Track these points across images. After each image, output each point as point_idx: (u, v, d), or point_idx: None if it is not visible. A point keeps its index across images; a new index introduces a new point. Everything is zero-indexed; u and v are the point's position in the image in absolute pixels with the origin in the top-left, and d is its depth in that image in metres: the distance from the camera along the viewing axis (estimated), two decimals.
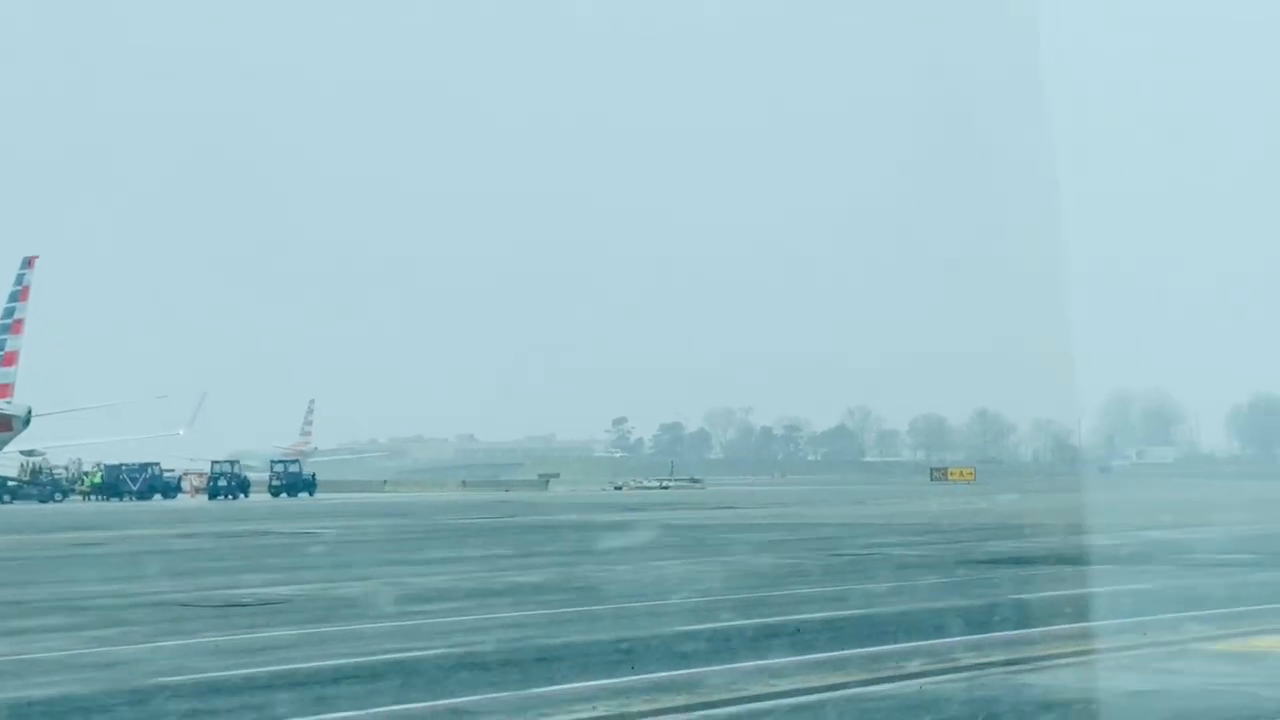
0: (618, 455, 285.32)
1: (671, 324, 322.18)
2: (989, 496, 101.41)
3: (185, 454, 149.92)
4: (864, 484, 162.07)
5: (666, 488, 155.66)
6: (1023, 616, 26.24)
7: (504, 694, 18.68)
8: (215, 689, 19.69)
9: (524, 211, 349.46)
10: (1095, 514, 63.13)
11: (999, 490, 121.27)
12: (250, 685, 19.92)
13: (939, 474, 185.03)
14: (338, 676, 20.57)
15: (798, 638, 23.89)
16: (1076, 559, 39.80)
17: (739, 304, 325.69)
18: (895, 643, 22.88)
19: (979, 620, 25.74)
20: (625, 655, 22.02)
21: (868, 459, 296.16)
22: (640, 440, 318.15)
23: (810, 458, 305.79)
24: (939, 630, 24.42)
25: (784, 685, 18.87)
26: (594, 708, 17.53)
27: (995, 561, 39.90)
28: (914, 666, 20.28)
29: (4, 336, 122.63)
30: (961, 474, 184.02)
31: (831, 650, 22.22)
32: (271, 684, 20.03)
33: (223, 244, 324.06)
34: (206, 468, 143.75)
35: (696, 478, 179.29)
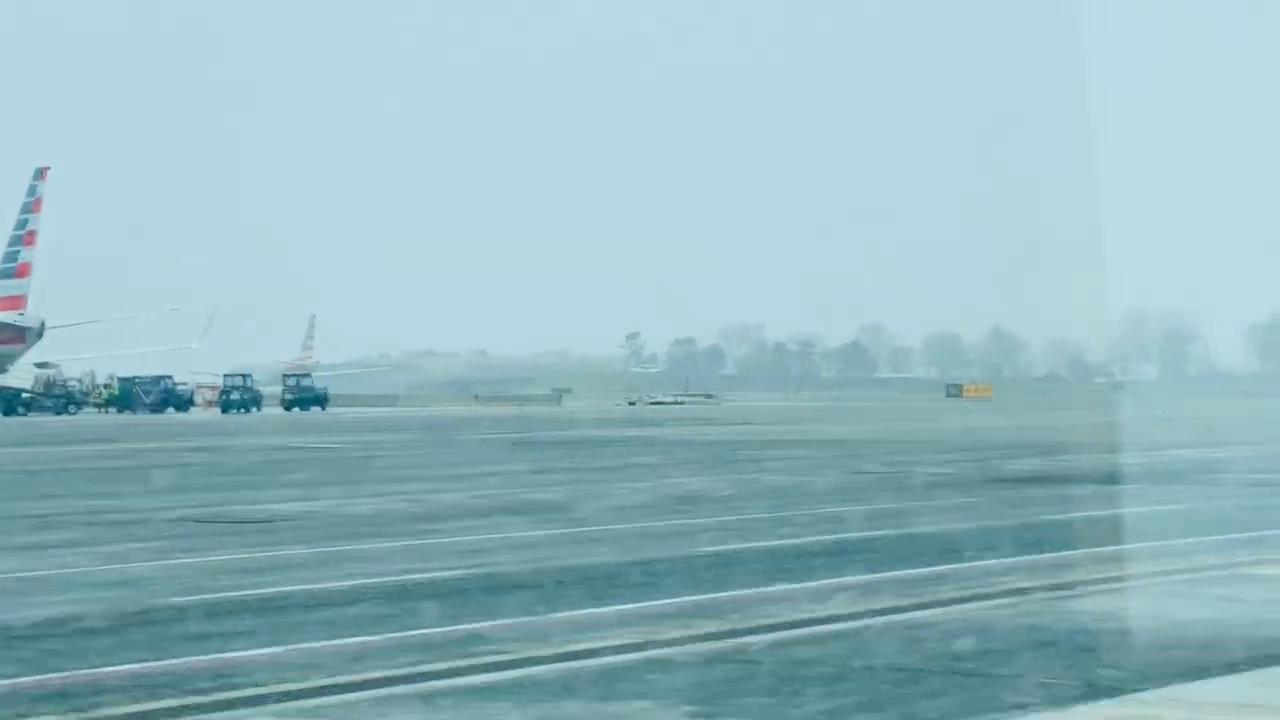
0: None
1: (686, 239, 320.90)
2: (1009, 414, 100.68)
3: (191, 368, 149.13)
4: (880, 400, 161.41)
5: (681, 403, 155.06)
6: (1058, 538, 25.46)
7: (526, 619, 17.93)
8: (228, 610, 18.98)
9: (535, 120, 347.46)
10: (1117, 432, 62.39)
11: (1017, 407, 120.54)
12: (264, 606, 19.22)
13: (955, 390, 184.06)
14: (353, 598, 19.87)
15: (829, 560, 23.17)
16: (1104, 478, 39.07)
17: (753, 220, 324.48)
18: (931, 565, 22.12)
19: (1014, 541, 24.99)
20: (651, 577, 21.30)
21: (881, 375, 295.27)
22: (653, 355, 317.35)
23: (824, 374, 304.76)
24: (975, 552, 23.68)
25: (820, 611, 18.11)
26: (621, 635, 16.77)
27: (1023, 480, 39.17)
28: (954, 591, 19.52)
29: (16, 248, 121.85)
30: (978, 390, 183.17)
31: (866, 573, 21.47)
32: (285, 605, 19.33)
33: (227, 158, 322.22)
34: (215, 381, 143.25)
35: (710, 393, 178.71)
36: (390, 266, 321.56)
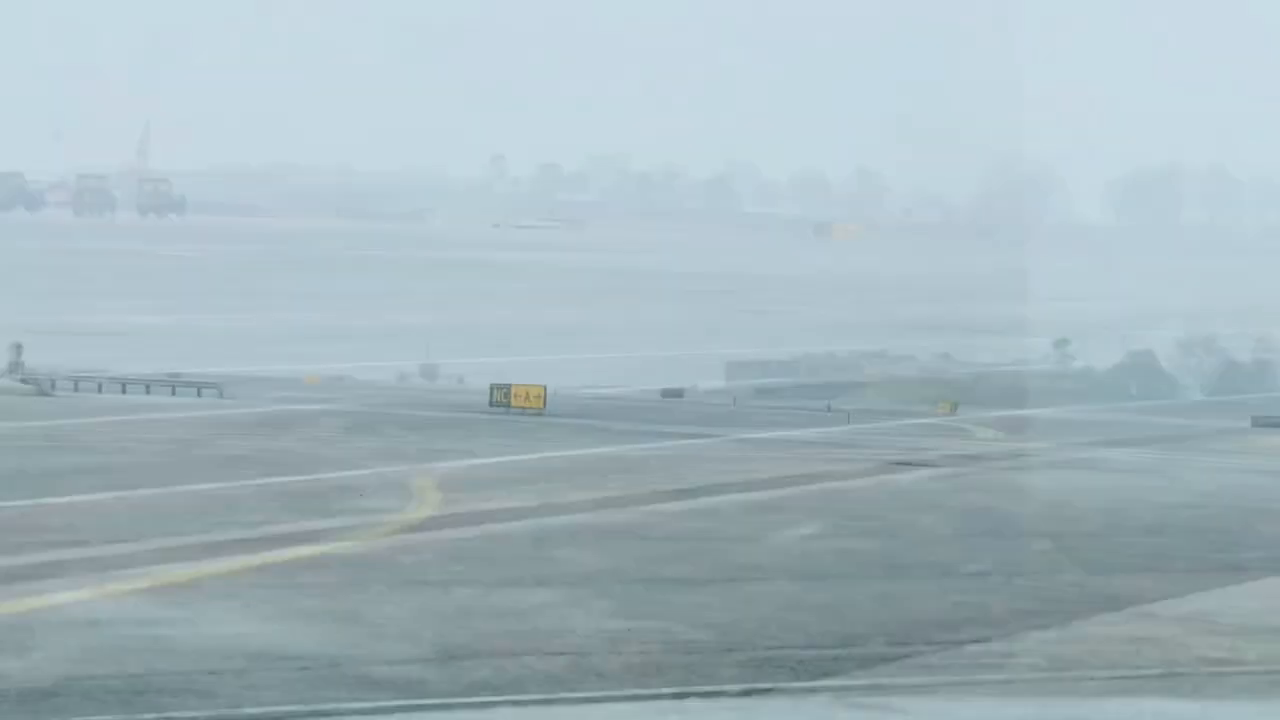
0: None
1: (553, 62, 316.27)
2: (896, 260, 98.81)
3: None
4: (744, 235, 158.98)
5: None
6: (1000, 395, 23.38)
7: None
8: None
9: None
10: (1012, 280, 60.48)
11: (892, 251, 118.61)
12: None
13: (824, 229, 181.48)
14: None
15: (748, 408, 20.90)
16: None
17: (624, 47, 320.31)
18: (862, 422, 19.94)
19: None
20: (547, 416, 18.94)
21: (746, 210, 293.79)
22: (517, 180, 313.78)
23: (689, 205, 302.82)
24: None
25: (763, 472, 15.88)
26: (514, 494, 14.46)
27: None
28: (903, 454, 17.33)
29: None
30: (847, 231, 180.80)
31: (793, 429, 19.27)
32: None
33: None
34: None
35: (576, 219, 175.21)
36: (252, 77, 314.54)
